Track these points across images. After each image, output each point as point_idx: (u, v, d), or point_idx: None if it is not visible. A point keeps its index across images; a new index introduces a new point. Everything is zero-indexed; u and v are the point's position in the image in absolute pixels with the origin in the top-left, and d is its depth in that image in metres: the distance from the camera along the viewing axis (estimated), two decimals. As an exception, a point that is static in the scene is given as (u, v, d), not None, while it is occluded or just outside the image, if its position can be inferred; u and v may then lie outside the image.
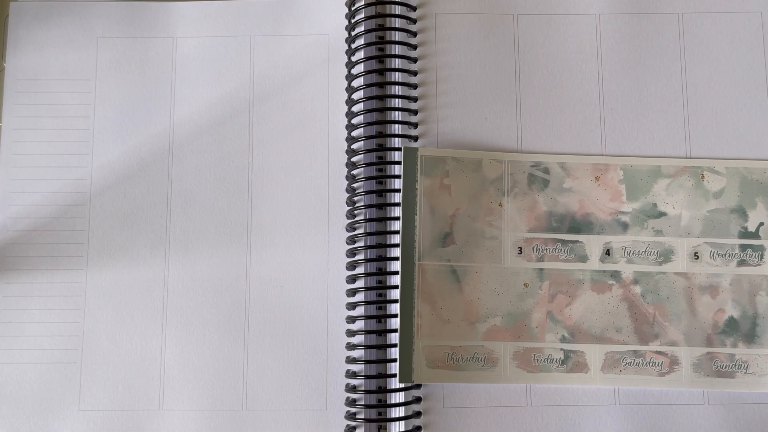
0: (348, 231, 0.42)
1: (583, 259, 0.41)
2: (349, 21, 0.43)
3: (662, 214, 0.41)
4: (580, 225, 0.41)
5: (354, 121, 0.42)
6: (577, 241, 0.41)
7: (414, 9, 0.44)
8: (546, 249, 0.41)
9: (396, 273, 0.41)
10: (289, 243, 0.42)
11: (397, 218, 0.41)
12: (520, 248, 0.41)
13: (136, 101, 0.44)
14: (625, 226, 0.41)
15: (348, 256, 0.42)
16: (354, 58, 0.43)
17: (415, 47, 0.43)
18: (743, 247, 0.41)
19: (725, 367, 0.40)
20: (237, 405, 0.41)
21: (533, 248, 0.41)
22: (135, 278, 0.42)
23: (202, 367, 0.41)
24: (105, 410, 0.41)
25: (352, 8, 0.43)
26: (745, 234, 0.41)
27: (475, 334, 0.40)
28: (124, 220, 0.43)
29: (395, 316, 0.40)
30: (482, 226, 0.41)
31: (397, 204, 0.41)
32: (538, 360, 0.40)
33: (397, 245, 0.41)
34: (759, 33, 0.44)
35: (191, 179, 0.43)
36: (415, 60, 0.43)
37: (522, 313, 0.40)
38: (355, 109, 0.42)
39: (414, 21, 0.43)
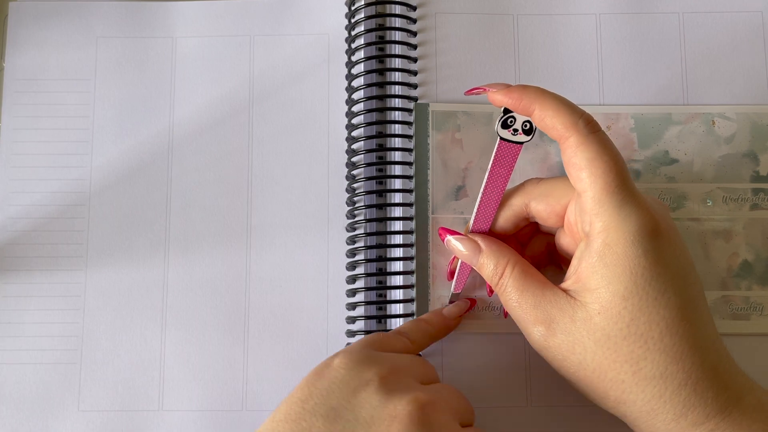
0: (348, 231, 0.42)
1: None
2: (349, 21, 0.43)
3: (674, 161, 0.42)
4: None
5: (354, 121, 0.42)
6: None
7: (414, 9, 0.44)
8: None
9: (396, 273, 0.41)
10: (289, 243, 0.42)
11: (398, 219, 0.41)
12: None
13: (136, 101, 0.44)
14: (637, 174, 0.42)
15: (348, 256, 0.42)
16: (354, 58, 0.43)
17: (415, 47, 0.43)
18: (755, 191, 0.41)
19: (741, 310, 0.40)
20: (237, 405, 0.41)
21: None
22: (135, 278, 0.42)
23: (202, 367, 0.41)
24: (105, 410, 0.41)
25: (352, 8, 0.43)
26: (757, 178, 0.42)
27: None
28: (123, 220, 0.43)
29: (395, 316, 0.40)
30: None
31: (398, 204, 0.41)
32: None
33: (397, 245, 0.41)
34: (759, 33, 0.44)
35: (191, 179, 0.43)
36: (415, 60, 0.43)
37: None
38: (355, 109, 0.42)
39: (414, 21, 0.43)
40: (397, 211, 0.41)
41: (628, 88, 0.43)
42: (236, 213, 0.43)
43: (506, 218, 0.35)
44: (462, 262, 0.38)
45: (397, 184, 0.42)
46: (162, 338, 0.42)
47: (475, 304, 0.40)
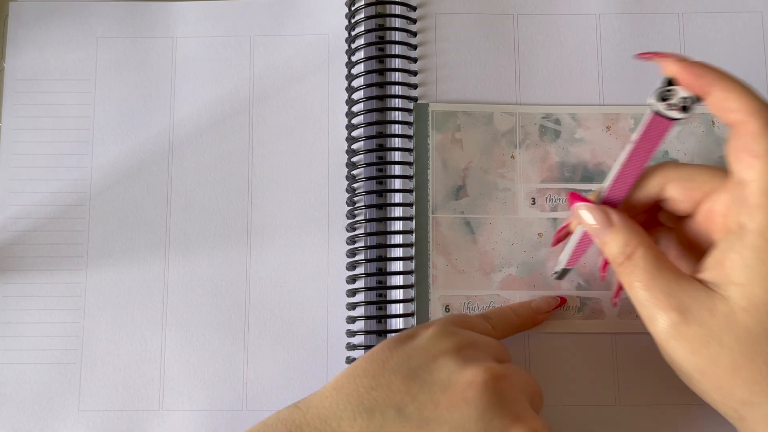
0: (348, 231, 0.42)
1: None
2: (349, 21, 0.43)
3: (674, 161, 0.42)
4: (592, 174, 0.42)
5: (354, 121, 0.42)
6: (591, 190, 0.42)
7: (414, 9, 0.44)
8: (559, 199, 0.42)
9: (396, 273, 0.41)
10: (289, 243, 0.42)
11: (398, 219, 0.41)
12: (534, 199, 0.42)
13: (136, 101, 0.44)
14: None
15: (348, 256, 0.42)
16: (354, 58, 0.43)
17: (415, 47, 0.43)
18: None
19: None
20: (237, 405, 0.41)
21: (546, 198, 0.42)
22: (135, 278, 0.42)
23: (202, 367, 0.41)
24: (105, 410, 0.41)
25: (352, 8, 0.43)
26: None
27: (490, 284, 0.41)
28: (124, 220, 0.43)
29: (395, 316, 0.40)
30: (495, 178, 0.42)
31: (398, 204, 0.41)
32: None
33: (397, 245, 0.41)
34: (759, 33, 0.44)
35: (191, 179, 0.43)
36: (415, 60, 0.43)
37: (537, 263, 0.41)
38: (355, 109, 0.42)
39: (414, 21, 0.43)
40: (397, 211, 0.41)
41: (628, 88, 0.43)
42: (236, 213, 0.43)
43: (637, 198, 0.33)
44: (583, 236, 0.35)
45: (397, 184, 0.42)
46: (162, 338, 0.42)
47: (565, 303, 0.40)
